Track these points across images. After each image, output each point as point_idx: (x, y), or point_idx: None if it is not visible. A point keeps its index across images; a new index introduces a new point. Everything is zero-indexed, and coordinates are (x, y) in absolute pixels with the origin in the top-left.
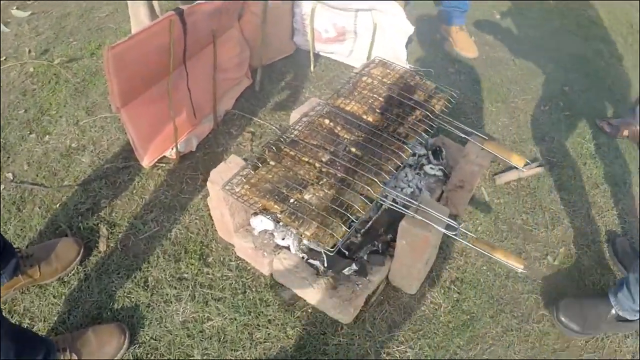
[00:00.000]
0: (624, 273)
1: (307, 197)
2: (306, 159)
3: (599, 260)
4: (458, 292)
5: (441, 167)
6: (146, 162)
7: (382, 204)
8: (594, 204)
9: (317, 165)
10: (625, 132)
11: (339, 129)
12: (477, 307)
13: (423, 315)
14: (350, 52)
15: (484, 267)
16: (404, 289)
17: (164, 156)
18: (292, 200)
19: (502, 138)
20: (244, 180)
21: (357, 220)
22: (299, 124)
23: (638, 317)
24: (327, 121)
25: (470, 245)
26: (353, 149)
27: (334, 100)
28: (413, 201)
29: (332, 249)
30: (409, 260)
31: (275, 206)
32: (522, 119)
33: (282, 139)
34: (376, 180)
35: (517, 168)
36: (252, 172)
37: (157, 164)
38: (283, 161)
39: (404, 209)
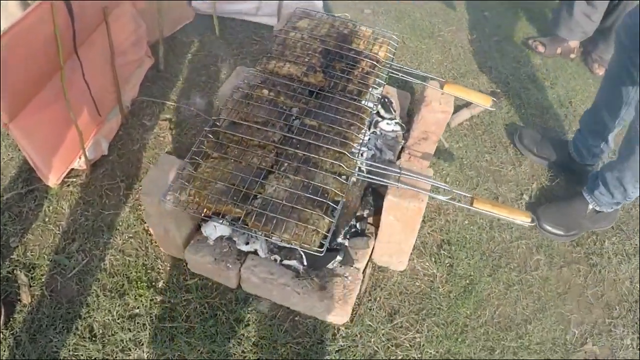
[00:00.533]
0: (530, 157)
1: (271, 190)
2: (256, 142)
3: (569, 187)
4: (449, 257)
5: (397, 121)
6: (52, 181)
7: (349, 177)
8: (549, 129)
9: (271, 147)
10: (559, 50)
11: (282, 98)
12: (473, 268)
13: (421, 292)
14: (257, 9)
15: (466, 222)
16: (392, 267)
17: (73, 169)
18: (254, 198)
19: (440, 75)
20: (186, 184)
21: (337, 205)
22: (232, 101)
23: (613, 209)
24: (265, 91)
25: (469, 207)
26: (307, 120)
27: (264, 65)
28: (393, 169)
29: (320, 249)
30: (399, 236)
31: (237, 210)
32: (454, 52)
33: (217, 123)
34: (345, 152)
35: (467, 107)
36: (194, 171)
37: (66, 180)
38: (228, 151)
39: (383, 180)
